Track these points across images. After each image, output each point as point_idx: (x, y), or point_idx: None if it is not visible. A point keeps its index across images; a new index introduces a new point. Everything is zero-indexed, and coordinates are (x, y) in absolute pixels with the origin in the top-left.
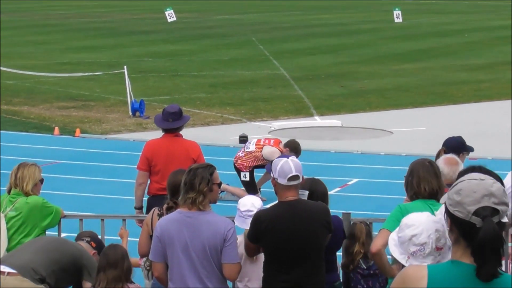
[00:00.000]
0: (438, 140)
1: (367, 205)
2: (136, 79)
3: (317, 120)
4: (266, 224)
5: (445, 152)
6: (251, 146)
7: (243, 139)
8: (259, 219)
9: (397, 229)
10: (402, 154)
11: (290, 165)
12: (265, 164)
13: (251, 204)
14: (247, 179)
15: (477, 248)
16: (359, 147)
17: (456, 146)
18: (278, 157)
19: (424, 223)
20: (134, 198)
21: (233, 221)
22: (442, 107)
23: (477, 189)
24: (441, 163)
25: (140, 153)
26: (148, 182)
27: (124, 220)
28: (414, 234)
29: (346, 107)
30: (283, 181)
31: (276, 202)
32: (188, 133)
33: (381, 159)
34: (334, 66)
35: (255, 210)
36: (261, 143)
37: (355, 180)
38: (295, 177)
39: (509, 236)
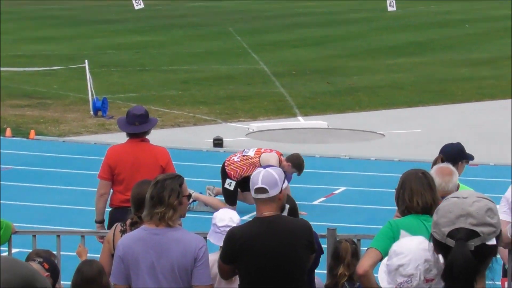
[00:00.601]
0: (435, 144)
1: (356, 217)
2: (99, 74)
3: (301, 121)
4: (240, 242)
5: (442, 161)
6: (250, 152)
7: (218, 142)
8: (233, 236)
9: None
10: (395, 159)
11: (259, 176)
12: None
13: (229, 218)
14: (231, 188)
15: (445, 273)
16: (347, 151)
17: (454, 154)
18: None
19: (413, 252)
20: (94, 210)
21: (204, 237)
22: (440, 107)
23: (453, 208)
24: (433, 173)
25: (102, 159)
26: (111, 192)
27: (82, 236)
28: (401, 264)
29: (333, 107)
30: (252, 193)
31: (252, 219)
32: (156, 135)
33: (372, 165)
34: (320, 60)
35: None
36: (262, 150)
37: (342, 188)
38: (260, 190)
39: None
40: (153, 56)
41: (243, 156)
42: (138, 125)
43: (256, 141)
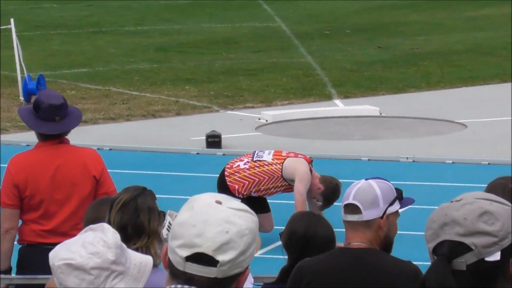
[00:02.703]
0: None
1: (425, 250)
2: (32, 39)
3: (339, 106)
4: (309, 279)
5: None
6: (266, 155)
7: (214, 140)
8: (300, 271)
9: None
10: (482, 162)
11: (353, 188)
12: (272, 193)
13: None
14: None
15: None
16: (410, 150)
17: None
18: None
19: None
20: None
21: None
22: None
23: (437, 216)
24: None
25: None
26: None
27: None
28: None
29: (388, 83)
30: (342, 212)
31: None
32: (119, 130)
33: (448, 170)
34: (366, 13)
35: None
36: (283, 154)
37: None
38: (350, 209)
39: None
40: (113, 11)
41: (255, 161)
42: (59, 121)
43: (271, 138)
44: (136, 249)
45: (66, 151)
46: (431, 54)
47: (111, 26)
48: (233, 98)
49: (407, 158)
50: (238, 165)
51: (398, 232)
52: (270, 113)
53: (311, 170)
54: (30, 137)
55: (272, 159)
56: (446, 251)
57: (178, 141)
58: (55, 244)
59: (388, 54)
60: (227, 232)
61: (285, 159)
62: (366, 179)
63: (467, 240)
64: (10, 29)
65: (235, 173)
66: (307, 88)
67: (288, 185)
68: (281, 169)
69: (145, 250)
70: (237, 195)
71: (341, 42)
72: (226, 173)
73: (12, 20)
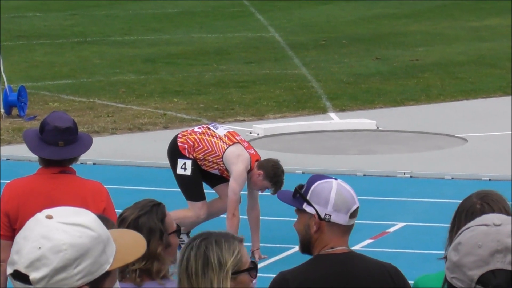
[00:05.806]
0: None
1: (422, 268)
2: (14, 49)
3: (334, 120)
4: None
5: None
6: (220, 130)
7: None
8: (283, 282)
9: None
10: (483, 178)
11: (349, 191)
12: (210, 167)
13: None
14: (187, 172)
15: None
16: (408, 166)
17: None
18: (318, 179)
19: None
20: None
21: None
22: None
23: (484, 241)
24: None
25: None
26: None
27: None
28: None
29: (386, 96)
30: (343, 218)
31: (312, 257)
32: (104, 145)
33: (447, 186)
34: (364, 22)
35: None
36: (238, 138)
37: (400, 224)
38: (356, 211)
39: None
40: (98, 20)
41: (209, 128)
42: (63, 146)
43: (263, 152)
44: (135, 270)
45: (66, 182)
46: (431, 65)
47: (96, 36)
48: (224, 111)
49: (405, 173)
50: (193, 129)
51: (397, 250)
52: (262, 127)
53: (252, 167)
54: (10, 151)
55: (223, 135)
56: (502, 282)
57: (165, 155)
58: None
59: (387, 66)
60: (39, 248)
61: (233, 144)
62: (333, 178)
63: None
64: None
65: (188, 134)
66: (301, 100)
67: (224, 168)
68: (224, 151)
69: (142, 271)
70: (187, 155)
71: (338, 53)
72: (179, 135)
73: None
